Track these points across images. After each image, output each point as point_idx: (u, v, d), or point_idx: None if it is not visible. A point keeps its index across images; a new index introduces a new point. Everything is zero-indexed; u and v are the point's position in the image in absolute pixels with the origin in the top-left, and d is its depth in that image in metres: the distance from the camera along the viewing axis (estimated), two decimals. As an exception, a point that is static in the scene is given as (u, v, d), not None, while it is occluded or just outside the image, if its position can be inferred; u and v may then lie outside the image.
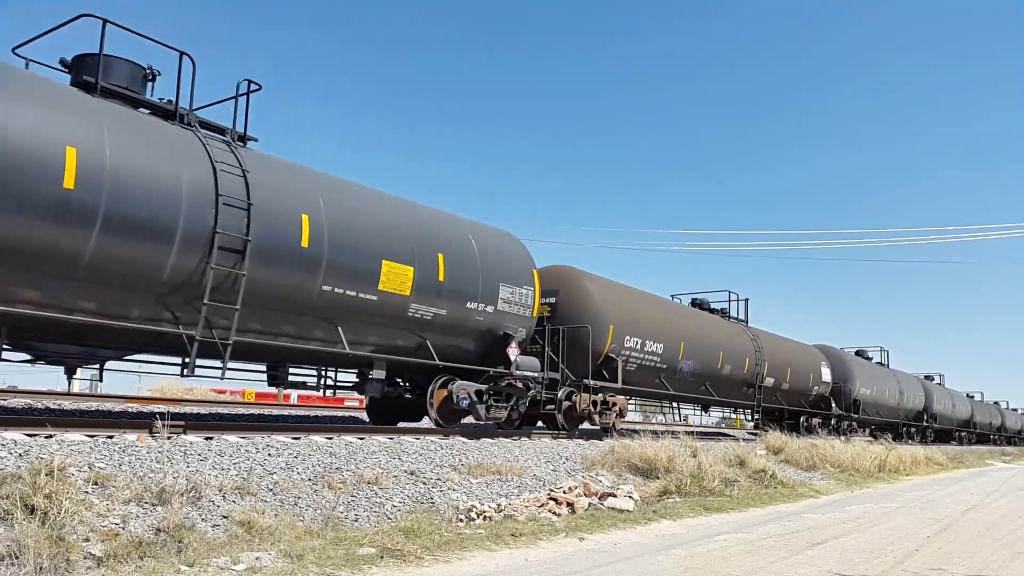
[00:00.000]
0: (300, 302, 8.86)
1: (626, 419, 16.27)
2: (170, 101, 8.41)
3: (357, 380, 11.02)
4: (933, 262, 70.39)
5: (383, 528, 6.39)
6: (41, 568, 4.37)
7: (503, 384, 11.88)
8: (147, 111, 8.27)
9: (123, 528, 5.10)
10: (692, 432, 15.98)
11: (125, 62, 8.18)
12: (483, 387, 11.49)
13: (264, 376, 10.40)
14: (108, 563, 4.66)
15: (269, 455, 7.27)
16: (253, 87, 9.01)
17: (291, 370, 10.37)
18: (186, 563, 4.80)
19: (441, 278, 10.60)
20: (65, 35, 8.60)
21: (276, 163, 9.21)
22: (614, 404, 14.66)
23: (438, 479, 8.05)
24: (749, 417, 23.30)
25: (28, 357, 8.33)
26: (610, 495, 8.78)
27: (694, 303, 20.46)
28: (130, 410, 12.18)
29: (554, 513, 7.89)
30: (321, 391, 11.24)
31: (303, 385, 10.74)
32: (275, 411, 16.01)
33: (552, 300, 14.12)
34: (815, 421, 23.78)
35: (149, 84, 8.42)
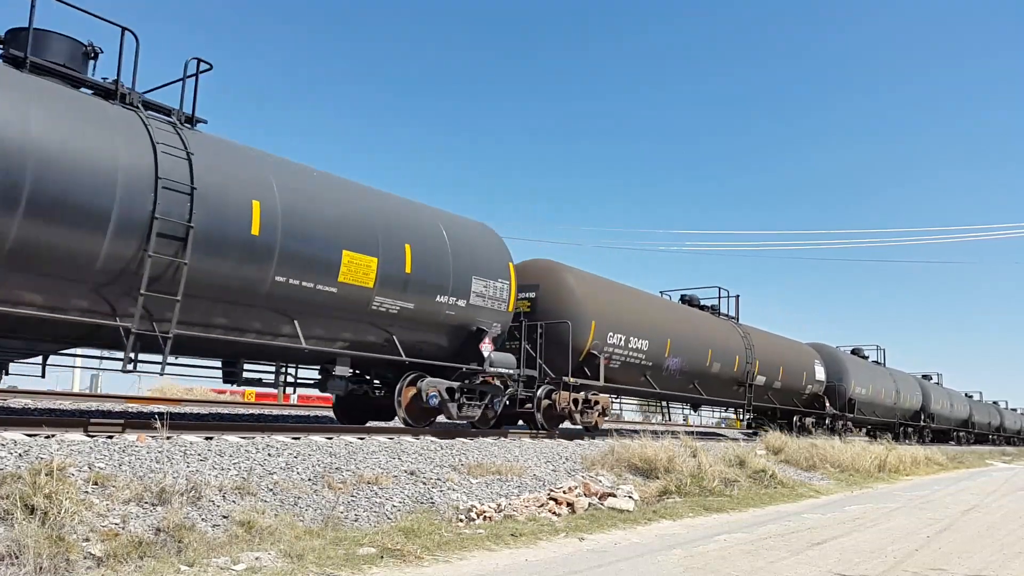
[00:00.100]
0: (251, 294, 8.38)
1: (626, 420, 16.17)
2: (115, 81, 7.90)
3: (319, 377, 10.50)
4: (933, 262, 70.50)
5: (383, 528, 6.39)
6: (41, 568, 4.37)
7: (478, 381, 11.50)
8: (90, 91, 7.79)
9: (123, 528, 5.10)
10: (692, 432, 15.99)
11: (63, 38, 7.68)
12: (455, 385, 11.06)
13: (220, 372, 9.83)
14: (108, 563, 4.66)
15: (269, 455, 7.27)
16: (203, 67, 8.49)
17: (254, 367, 9.88)
18: (186, 563, 4.80)
19: (408, 270, 10.09)
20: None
21: (227, 146, 8.72)
22: (596, 403, 14.25)
23: (438, 479, 8.05)
24: (741, 416, 22.94)
25: None
26: (610, 495, 8.78)
27: (683, 300, 20.06)
28: (130, 410, 12.19)
29: (554, 513, 7.89)
30: (281, 389, 10.74)
31: (259, 382, 10.11)
32: (275, 411, 16.01)
33: (532, 295, 13.72)
34: (808, 421, 23.41)
35: (91, 62, 7.94)
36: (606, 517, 8.05)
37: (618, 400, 19.30)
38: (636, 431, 13.97)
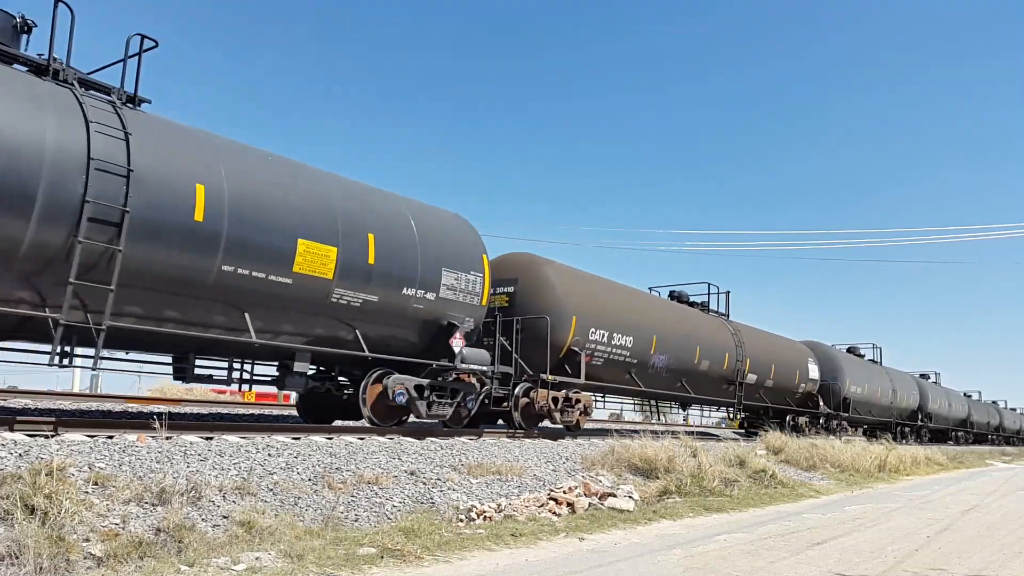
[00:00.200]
0: (195, 284, 7.87)
1: (626, 420, 16.03)
2: (48, 57, 7.48)
3: (277, 374, 9.88)
4: (933, 262, 70.45)
5: (383, 528, 6.39)
6: (41, 568, 4.37)
7: (450, 379, 11.00)
8: (24, 68, 7.41)
9: (123, 528, 5.10)
10: (692, 432, 15.98)
11: None
12: (424, 382, 10.55)
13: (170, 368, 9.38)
14: (108, 563, 4.66)
15: (269, 455, 7.27)
16: (148, 44, 8.02)
17: (209, 362, 9.46)
18: (186, 563, 4.80)
19: (371, 260, 9.55)
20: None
21: (171, 127, 8.20)
22: (578, 401, 13.74)
23: (438, 479, 8.05)
24: (732, 416, 22.37)
25: None
26: (610, 495, 8.79)
27: (672, 296, 19.51)
28: (130, 410, 12.19)
29: (554, 513, 7.89)
30: (236, 386, 10.12)
31: (209, 379, 9.58)
32: (275, 411, 16.01)
33: (510, 289, 13.20)
34: (802, 420, 22.74)
35: (25, 37, 7.56)
36: (606, 517, 8.05)
37: (617, 400, 19.12)
38: (636, 431, 13.97)
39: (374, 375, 10.14)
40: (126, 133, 7.34)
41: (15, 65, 7.31)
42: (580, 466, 10.45)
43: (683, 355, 16.88)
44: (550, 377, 12.73)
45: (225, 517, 5.71)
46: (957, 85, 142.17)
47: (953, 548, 7.30)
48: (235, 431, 8.50)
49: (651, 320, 15.91)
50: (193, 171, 7.87)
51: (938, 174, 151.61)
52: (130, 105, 7.95)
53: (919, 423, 32.52)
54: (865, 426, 27.78)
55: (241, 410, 15.15)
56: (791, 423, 22.37)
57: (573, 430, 13.82)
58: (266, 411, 15.81)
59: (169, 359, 9.34)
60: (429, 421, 11.59)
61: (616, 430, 15.51)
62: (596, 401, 15.71)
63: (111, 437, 6.78)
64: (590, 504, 8.45)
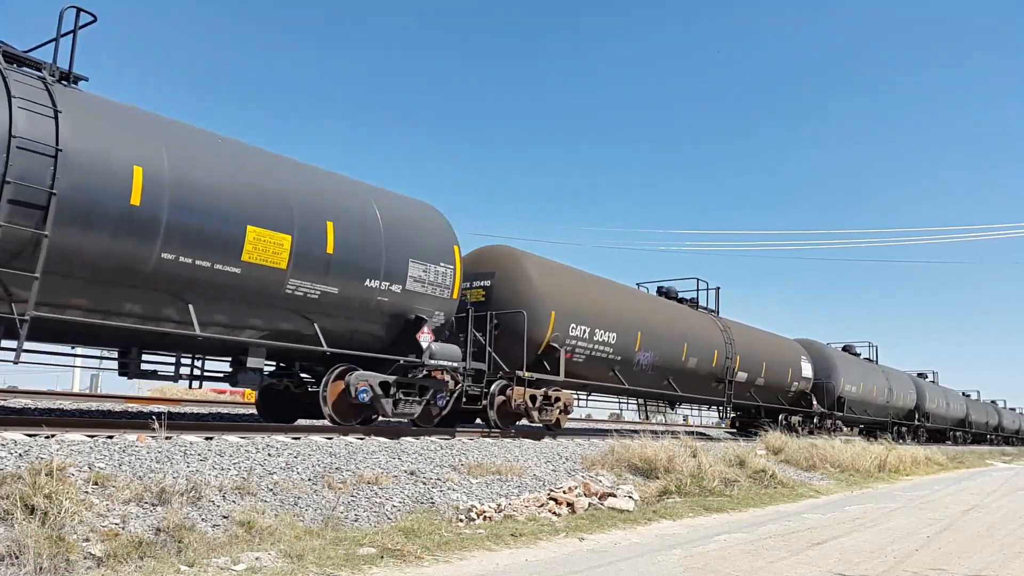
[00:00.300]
0: (131, 273, 7.43)
1: (625, 420, 15.88)
2: None
3: (231, 369, 9.43)
4: (933, 262, 70.43)
5: (383, 528, 6.39)
6: (41, 568, 4.37)
7: (420, 375, 10.52)
8: None
9: (123, 528, 5.10)
10: (692, 432, 15.98)
11: None
12: (390, 379, 10.06)
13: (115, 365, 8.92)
14: (108, 563, 4.66)
15: (269, 455, 7.27)
16: (85, 18, 7.60)
17: (159, 357, 9.03)
18: (186, 563, 4.80)
19: (330, 250, 9.08)
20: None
21: (109, 106, 7.73)
22: (558, 399, 13.21)
23: (438, 479, 8.05)
24: (722, 415, 21.61)
25: None
26: (610, 495, 8.79)
27: (660, 292, 19.08)
28: (130, 410, 12.19)
29: (554, 513, 7.89)
30: (185, 382, 9.60)
31: (154, 375, 9.09)
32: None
33: (487, 283, 12.76)
34: (794, 419, 22.26)
35: None
36: (606, 517, 8.05)
37: (615, 400, 18.96)
38: (636, 431, 13.97)
39: (336, 371, 9.69)
40: (55, 111, 6.90)
41: None
42: (580, 466, 10.45)
43: (670, 352, 16.39)
44: (526, 374, 12.29)
45: (225, 517, 5.71)
46: (957, 84, 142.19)
47: (953, 548, 7.30)
48: (235, 431, 8.50)
49: (636, 316, 15.44)
50: (131, 152, 7.39)
51: (938, 174, 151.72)
52: (64, 83, 7.47)
53: (916, 423, 32.19)
54: (861, 426, 27.51)
55: (241, 410, 15.15)
56: (784, 422, 21.81)
57: (553, 429, 13.43)
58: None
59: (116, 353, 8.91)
60: (396, 420, 11.14)
61: (616, 430, 15.51)
62: (577, 399, 15.12)
63: (111, 437, 6.78)
64: (590, 504, 8.45)
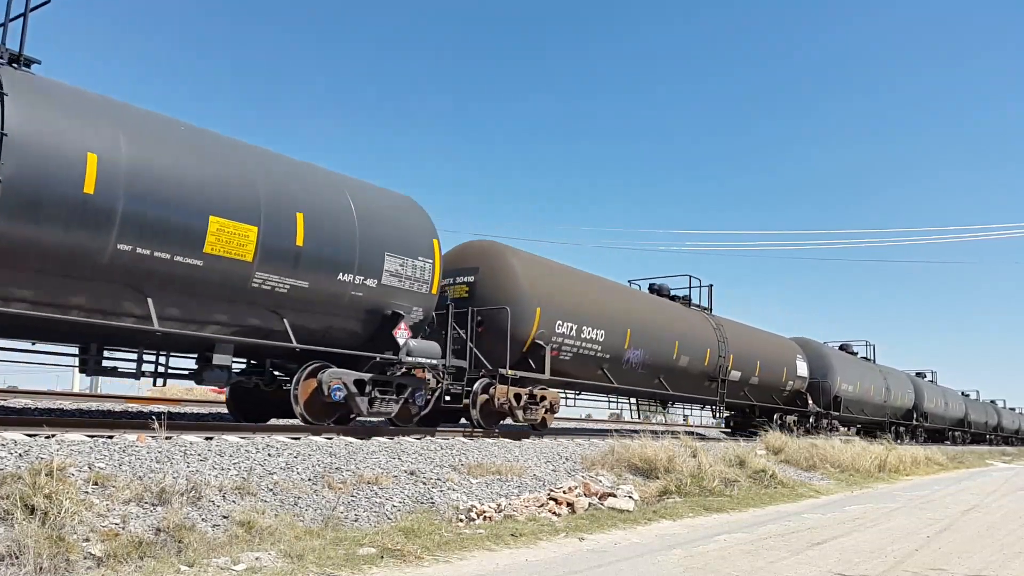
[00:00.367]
0: (85, 265, 7.13)
1: (625, 420, 15.79)
2: None
3: (196, 367, 9.11)
4: (933, 262, 70.42)
5: (383, 528, 6.39)
6: (41, 568, 4.37)
7: (398, 373, 10.19)
8: None
9: (123, 528, 5.10)
10: (692, 432, 15.98)
11: None
12: (365, 376, 9.74)
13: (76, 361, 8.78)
14: (108, 563, 4.66)
15: (269, 455, 7.27)
16: (37, 0, 7.39)
17: (121, 354, 8.78)
18: (186, 563, 4.80)
19: (300, 242, 8.75)
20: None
21: (63, 90, 7.43)
22: (543, 398, 12.91)
23: (438, 479, 8.05)
24: (715, 415, 21.11)
25: None
26: (610, 495, 8.78)
27: (652, 289, 18.70)
28: (130, 410, 12.19)
29: (554, 513, 7.89)
30: (149, 380, 9.31)
31: (114, 371, 8.79)
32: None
33: (471, 279, 12.45)
34: (790, 419, 21.98)
35: None
36: (606, 517, 8.05)
37: (615, 400, 18.86)
38: (636, 431, 13.97)
39: (308, 369, 9.37)
40: (1, 93, 6.59)
41: None
42: (580, 466, 10.45)
43: (661, 350, 16.02)
44: (509, 372, 11.94)
45: (225, 517, 5.71)
46: (957, 84, 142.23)
47: (953, 548, 7.30)
48: (235, 431, 8.50)
49: (626, 313, 15.09)
50: (84, 138, 7.08)
51: (938, 174, 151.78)
52: (15, 65, 7.16)
53: (914, 422, 31.94)
54: (858, 425, 27.24)
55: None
56: (779, 422, 21.48)
57: (539, 429, 13.16)
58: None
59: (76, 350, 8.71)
60: (372, 420, 10.81)
61: (616, 430, 15.51)
62: (565, 398, 14.89)
63: (111, 437, 6.78)
64: (590, 504, 8.45)
